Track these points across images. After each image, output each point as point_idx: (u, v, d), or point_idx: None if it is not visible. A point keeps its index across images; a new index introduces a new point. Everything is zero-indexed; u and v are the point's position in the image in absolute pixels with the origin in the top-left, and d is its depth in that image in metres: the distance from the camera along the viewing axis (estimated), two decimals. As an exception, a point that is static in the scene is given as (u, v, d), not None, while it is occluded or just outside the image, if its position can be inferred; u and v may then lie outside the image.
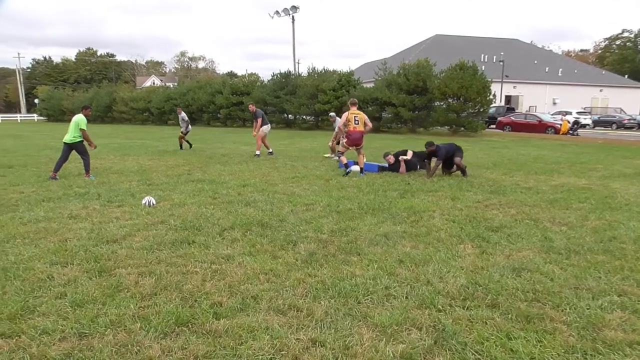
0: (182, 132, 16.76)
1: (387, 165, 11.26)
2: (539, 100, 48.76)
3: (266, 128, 14.58)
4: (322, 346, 3.10)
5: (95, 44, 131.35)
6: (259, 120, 14.33)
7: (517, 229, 5.95)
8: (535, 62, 53.47)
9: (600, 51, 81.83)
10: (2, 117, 62.81)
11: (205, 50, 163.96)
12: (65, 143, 10.16)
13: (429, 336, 3.22)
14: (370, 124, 10.56)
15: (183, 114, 16.88)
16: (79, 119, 10.14)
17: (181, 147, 16.77)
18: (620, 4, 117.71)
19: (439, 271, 4.41)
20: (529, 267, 4.52)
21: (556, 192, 8.45)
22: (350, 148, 10.69)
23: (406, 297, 3.83)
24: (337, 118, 13.76)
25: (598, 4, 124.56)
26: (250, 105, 15.03)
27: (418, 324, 3.38)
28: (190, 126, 17.03)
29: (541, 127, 28.52)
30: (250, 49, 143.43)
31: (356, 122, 10.40)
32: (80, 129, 10.04)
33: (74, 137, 10.08)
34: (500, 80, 43.96)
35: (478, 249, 5.14)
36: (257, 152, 14.33)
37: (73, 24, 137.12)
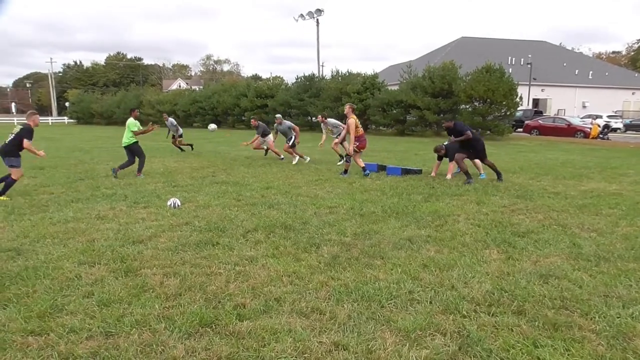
0: (174, 137, 16.95)
1: (411, 168, 11.22)
2: (568, 103, 47.72)
3: (269, 138, 14.16)
4: (344, 350, 3.09)
5: (121, 48, 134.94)
6: (257, 136, 14.16)
7: (545, 234, 5.83)
8: (565, 64, 52.37)
9: (632, 53, 79.69)
10: (34, 119, 64.55)
11: (229, 53, 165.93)
12: (123, 147, 10.99)
13: (454, 342, 3.18)
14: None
15: (171, 119, 17.00)
16: (129, 122, 10.97)
17: (182, 149, 17.02)
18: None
19: (463, 276, 4.36)
20: (556, 273, 4.42)
21: (585, 198, 8.26)
22: (360, 152, 10.72)
23: (430, 302, 3.80)
24: (330, 120, 13.32)
25: (630, 5, 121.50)
26: (253, 120, 14.34)
27: (442, 329, 3.34)
28: (180, 129, 17.16)
29: (570, 131, 27.90)
30: (273, 52, 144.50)
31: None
32: (132, 131, 10.80)
33: (128, 139, 10.82)
34: (528, 83, 43.23)
35: (504, 254, 5.06)
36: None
37: (101, 29, 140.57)
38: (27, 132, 8.29)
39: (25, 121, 8.56)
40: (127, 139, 10.83)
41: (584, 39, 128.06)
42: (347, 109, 10.66)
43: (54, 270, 4.51)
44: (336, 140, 12.08)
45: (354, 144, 10.56)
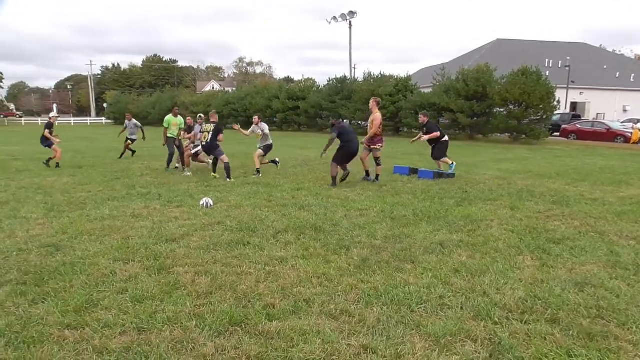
0: (128, 139, 15.72)
1: (443, 171, 11.09)
2: (607, 107, 46.19)
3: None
4: (373, 353, 3.08)
5: (156, 51, 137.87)
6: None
7: (581, 241, 5.67)
8: (605, 67, 50.77)
9: (677, 55, 76.72)
10: (74, 120, 66.77)
11: (260, 55, 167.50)
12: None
13: (484, 349, 3.13)
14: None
15: (134, 121, 16.05)
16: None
17: (128, 153, 15.83)
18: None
19: (496, 282, 4.29)
20: (593, 282, 4.30)
21: (624, 205, 7.99)
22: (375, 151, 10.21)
23: (461, 308, 3.75)
24: (264, 125, 11.63)
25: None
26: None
27: (473, 335, 3.30)
28: (135, 135, 15.79)
29: (610, 135, 27.02)
30: (303, 54, 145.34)
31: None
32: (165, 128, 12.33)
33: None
34: (566, 86, 42.11)
35: (538, 261, 4.95)
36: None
37: (136, 32, 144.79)
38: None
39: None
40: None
41: (625, 41, 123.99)
42: (372, 103, 10.25)
43: (90, 266, 4.65)
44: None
45: (376, 144, 10.16)
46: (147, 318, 3.52)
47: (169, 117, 12.45)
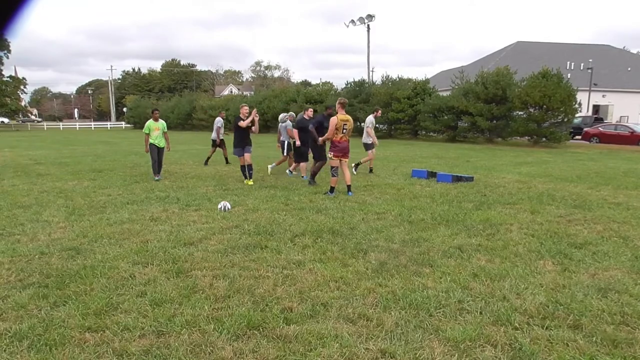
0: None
1: (463, 175, 10.98)
2: (631, 110, 45.24)
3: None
4: (392, 357, 3.05)
5: (172, 55, 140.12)
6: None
7: (604, 246, 5.56)
8: (629, 69, 49.83)
9: (703, 57, 74.86)
10: (94, 124, 67.96)
11: (274, 59, 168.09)
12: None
13: (505, 355, 3.08)
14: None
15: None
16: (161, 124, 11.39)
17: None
18: None
19: (516, 287, 4.22)
20: (616, 287, 4.20)
21: (649, 209, 7.81)
22: (336, 159, 8.90)
23: (480, 313, 3.69)
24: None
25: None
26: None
27: (493, 341, 3.25)
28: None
29: (634, 138, 26.46)
30: (317, 58, 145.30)
31: (344, 130, 8.74)
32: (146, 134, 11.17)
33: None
34: (588, 88, 41.43)
35: (559, 266, 4.86)
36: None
37: (151, 37, 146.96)
38: None
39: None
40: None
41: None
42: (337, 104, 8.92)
43: (110, 269, 4.70)
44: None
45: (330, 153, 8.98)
46: (166, 321, 3.54)
47: (150, 122, 11.17)
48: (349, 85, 35.93)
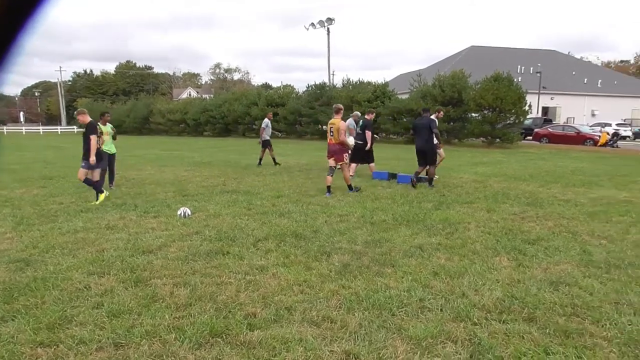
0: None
1: (422, 176, 11.18)
2: (577, 111, 47.37)
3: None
4: (356, 358, 3.10)
5: (125, 57, 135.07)
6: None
7: (555, 242, 5.82)
8: (574, 73, 52.12)
9: (641, 62, 79.09)
10: (43, 129, 65.03)
11: (232, 61, 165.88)
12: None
13: (465, 350, 3.18)
14: (342, 136, 9.17)
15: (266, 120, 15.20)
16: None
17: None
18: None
19: (474, 284, 4.36)
20: (567, 280, 4.41)
21: (595, 205, 8.22)
22: (330, 160, 9.41)
23: (441, 310, 3.80)
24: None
25: (637, 14, 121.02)
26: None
27: (453, 337, 3.35)
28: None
29: (579, 138, 27.75)
30: (276, 61, 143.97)
31: (331, 133, 9.30)
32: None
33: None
34: (538, 91, 43.06)
35: (514, 261, 5.05)
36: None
37: (102, 38, 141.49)
38: None
39: None
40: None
41: (591, 48, 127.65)
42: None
43: (63, 281, 4.51)
44: None
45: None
46: (125, 332, 3.43)
47: (99, 127, 9.61)
48: (310, 89, 35.98)
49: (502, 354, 3.10)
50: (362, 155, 11.67)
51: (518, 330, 3.42)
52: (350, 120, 12.23)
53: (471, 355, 3.11)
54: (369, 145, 11.57)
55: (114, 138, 10.57)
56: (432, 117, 10.92)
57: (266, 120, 15.20)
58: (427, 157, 10.28)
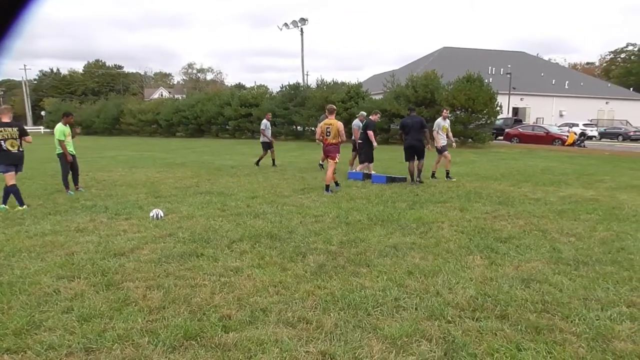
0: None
1: (396, 176, 11.31)
2: (546, 112, 48.61)
3: None
4: (332, 358, 3.10)
5: (93, 56, 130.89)
6: None
7: (526, 240, 5.94)
8: (542, 74, 53.42)
9: (605, 64, 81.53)
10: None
11: (203, 61, 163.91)
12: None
13: (439, 348, 3.22)
14: (343, 136, 9.51)
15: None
16: (56, 128, 10.10)
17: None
18: (624, 18, 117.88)
19: (448, 282, 4.42)
20: (537, 278, 4.51)
21: (564, 204, 8.43)
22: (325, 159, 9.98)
23: (416, 309, 3.84)
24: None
25: (602, 17, 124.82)
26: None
27: (428, 335, 3.38)
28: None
29: (548, 138, 28.46)
30: (248, 61, 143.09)
31: (327, 133, 9.57)
32: (58, 140, 9.94)
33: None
34: (508, 92, 43.95)
35: (487, 260, 5.14)
36: None
37: (66, 36, 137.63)
38: None
39: None
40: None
41: (559, 50, 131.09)
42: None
43: (31, 285, 4.39)
44: None
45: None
46: (96, 337, 3.36)
47: (62, 127, 9.99)
48: (284, 89, 35.90)
49: (475, 351, 3.15)
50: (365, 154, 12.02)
51: (491, 328, 3.48)
52: (356, 121, 12.64)
53: (445, 353, 3.15)
54: (374, 144, 11.90)
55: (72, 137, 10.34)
56: (440, 119, 12.02)
57: (265, 121, 15.20)
58: (418, 152, 10.91)
